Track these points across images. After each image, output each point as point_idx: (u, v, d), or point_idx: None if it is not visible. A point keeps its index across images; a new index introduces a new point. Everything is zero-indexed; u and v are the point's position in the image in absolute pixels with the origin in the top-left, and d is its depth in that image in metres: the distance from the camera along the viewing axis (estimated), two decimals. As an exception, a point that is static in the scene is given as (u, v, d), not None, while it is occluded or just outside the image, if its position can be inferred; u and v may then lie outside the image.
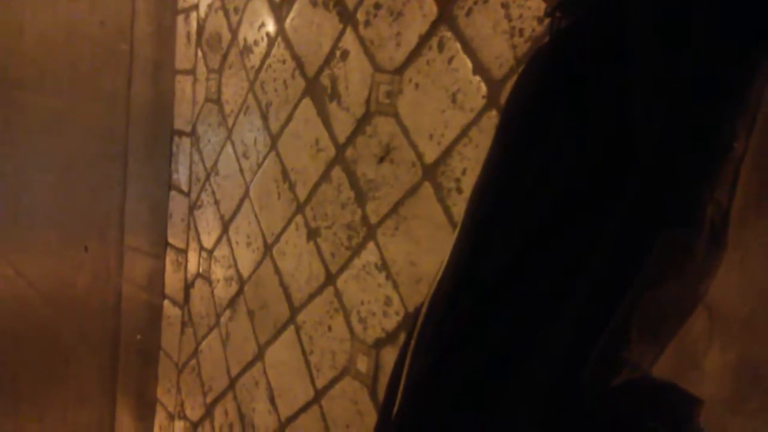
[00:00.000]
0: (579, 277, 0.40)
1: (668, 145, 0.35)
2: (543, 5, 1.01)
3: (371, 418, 1.34)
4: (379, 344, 1.31)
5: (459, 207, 1.13)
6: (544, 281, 0.46)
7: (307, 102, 1.51)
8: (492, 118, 1.08)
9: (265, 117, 1.67)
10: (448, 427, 0.48)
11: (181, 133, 2.10)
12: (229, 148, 1.85)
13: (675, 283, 0.30)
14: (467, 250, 0.55)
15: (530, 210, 0.49)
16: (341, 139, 1.40)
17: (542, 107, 0.54)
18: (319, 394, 1.49)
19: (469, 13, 1.11)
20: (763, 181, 0.29)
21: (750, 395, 0.26)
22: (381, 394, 1.32)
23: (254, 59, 1.72)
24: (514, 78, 1.07)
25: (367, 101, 1.33)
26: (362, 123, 1.34)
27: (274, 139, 1.64)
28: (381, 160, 1.28)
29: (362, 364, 1.36)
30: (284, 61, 1.59)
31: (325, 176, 1.45)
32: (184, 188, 2.10)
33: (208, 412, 1.99)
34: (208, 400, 2.00)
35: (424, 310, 0.59)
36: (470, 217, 0.59)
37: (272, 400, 1.67)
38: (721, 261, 0.29)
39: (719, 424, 0.26)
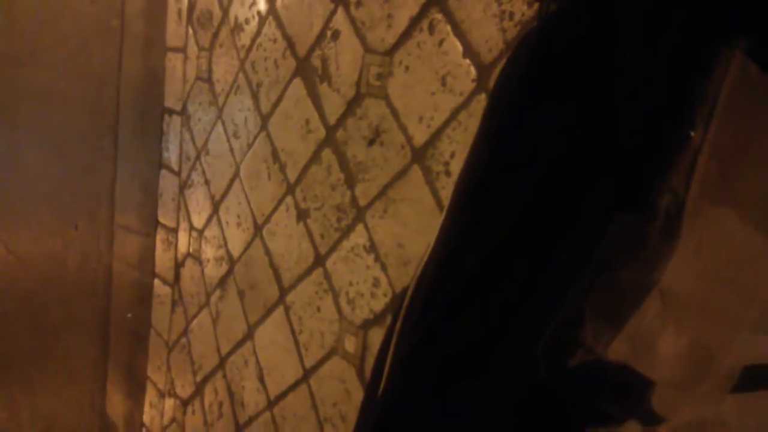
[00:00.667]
0: (555, 262, 0.41)
1: (635, 134, 0.35)
2: (533, -11, 1.00)
3: (359, 396, 1.35)
4: (366, 325, 1.32)
5: (447, 190, 1.14)
6: (526, 265, 0.46)
7: (297, 82, 1.51)
8: (481, 102, 1.08)
9: (255, 97, 1.67)
10: (432, 405, 0.48)
11: (171, 112, 2.09)
12: (219, 127, 1.85)
13: (629, 268, 0.30)
14: (453, 233, 0.55)
15: (515, 194, 0.49)
16: (331, 120, 1.39)
17: (529, 92, 0.54)
18: (307, 373, 1.51)
19: (459, -5, 1.11)
20: (720, 170, 0.29)
21: (701, 377, 0.27)
22: (368, 374, 1.33)
23: (245, 38, 1.70)
24: (504, 62, 1.07)
25: (358, 83, 1.32)
26: (352, 105, 1.33)
27: (264, 120, 1.64)
28: (371, 142, 1.28)
29: (350, 345, 1.37)
30: (275, 41, 1.58)
31: (315, 158, 1.45)
32: (175, 167, 2.10)
33: (198, 390, 2.01)
34: (198, 378, 2.01)
35: (410, 291, 0.60)
36: (456, 200, 0.59)
37: (261, 378, 1.68)
38: (675, 248, 0.29)
39: (671, 405, 0.27)
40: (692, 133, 0.29)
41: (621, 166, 0.35)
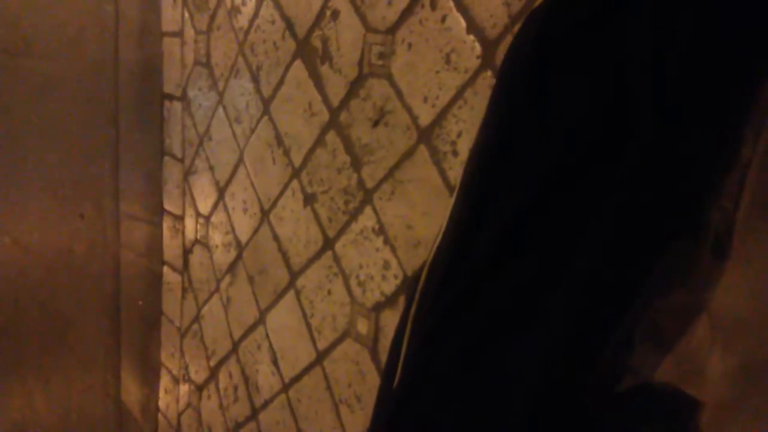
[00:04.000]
0: (576, 257, 0.40)
1: (673, 149, 0.34)
2: (537, -39, 0.98)
3: (373, 377, 1.36)
4: (378, 307, 1.32)
5: (455, 170, 1.12)
6: (541, 252, 0.45)
7: (298, 64, 1.49)
8: (487, 79, 1.06)
9: (256, 80, 1.65)
10: (448, 398, 0.48)
11: (171, 98, 2.07)
12: (220, 112, 1.83)
13: (680, 291, 0.29)
14: (465, 217, 0.54)
15: (528, 177, 0.48)
16: (335, 102, 1.38)
17: (539, 71, 0.52)
18: (321, 356, 1.51)
19: (461, -30, 1.08)
20: None
21: (749, 399, 0.26)
22: (382, 355, 1.33)
23: (242, 20, 1.68)
24: (509, 38, 1.05)
25: (360, 63, 1.30)
26: (355, 86, 1.32)
27: (266, 103, 1.62)
28: (375, 123, 1.26)
29: (362, 327, 1.37)
30: (273, 22, 1.56)
31: (319, 141, 1.43)
32: (178, 154, 2.08)
33: (213, 375, 2.02)
34: (212, 363, 2.02)
35: (423, 277, 0.59)
36: (467, 183, 0.58)
37: (275, 362, 1.69)
38: (726, 269, 0.29)
39: (719, 427, 0.26)
40: (742, 151, 0.28)
41: (653, 183, 0.34)
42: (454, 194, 0.60)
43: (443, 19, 1.12)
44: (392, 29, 1.22)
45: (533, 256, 0.46)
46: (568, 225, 0.43)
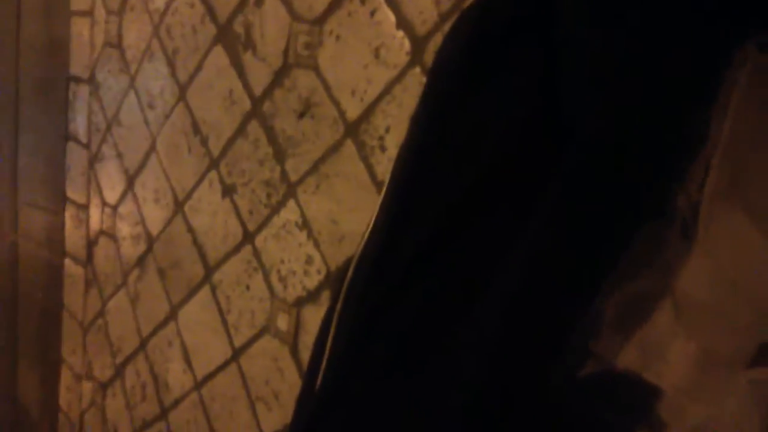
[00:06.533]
0: (513, 252, 0.40)
1: (628, 131, 0.34)
2: (470, -41, 0.98)
3: (292, 374, 1.33)
4: (300, 303, 1.30)
5: (382, 166, 1.11)
6: (473, 250, 0.45)
7: (218, 50, 1.43)
8: (416, 76, 1.06)
9: (172, 65, 1.58)
10: (371, 401, 0.47)
11: (78, 80, 1.95)
12: (132, 97, 1.74)
13: (647, 276, 0.29)
14: (395, 211, 0.53)
15: (458, 177, 0.48)
16: (257, 91, 1.34)
17: (471, 72, 0.52)
18: (237, 353, 1.47)
19: (393, -37, 1.07)
20: (733, 173, 0.28)
21: (709, 384, 0.26)
22: (302, 351, 1.31)
23: (158, 1, 1.60)
24: (439, 36, 1.05)
25: (285, 52, 1.27)
26: (280, 75, 1.28)
27: (182, 89, 1.55)
28: (301, 115, 1.24)
29: (283, 323, 1.34)
30: (192, 5, 1.49)
31: (240, 131, 1.39)
32: (83, 139, 1.97)
33: (118, 373, 1.93)
34: (118, 360, 1.93)
35: (350, 272, 0.57)
36: (397, 178, 0.57)
37: (187, 359, 1.63)
38: (691, 253, 0.29)
39: (678, 412, 0.27)
40: (707, 135, 0.28)
41: (610, 165, 0.34)
42: (384, 189, 0.59)
43: (372, 13, 1.11)
44: (320, 20, 1.20)
45: (472, 247, 0.45)
46: (510, 216, 0.43)
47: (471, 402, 0.37)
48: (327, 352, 0.53)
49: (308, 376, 0.58)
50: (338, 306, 0.55)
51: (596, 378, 0.30)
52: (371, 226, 0.56)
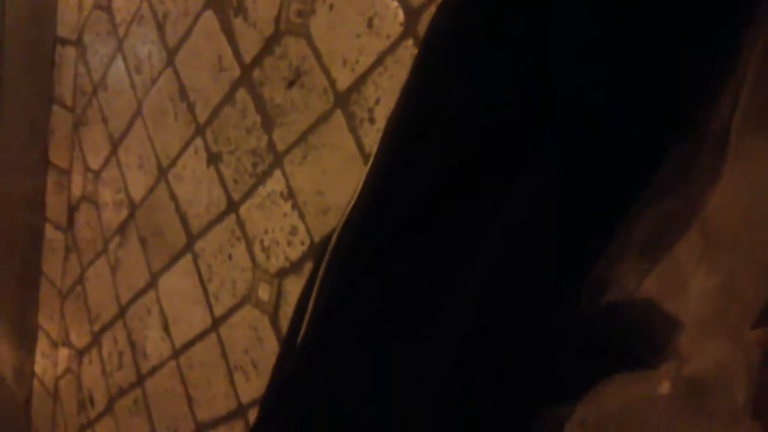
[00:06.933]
0: (496, 212, 0.39)
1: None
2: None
3: (272, 344, 1.33)
4: (282, 273, 1.29)
5: (371, 138, 1.11)
6: (463, 214, 0.44)
7: (209, 15, 1.41)
8: (408, 48, 1.05)
9: (161, 29, 1.55)
10: (356, 355, 0.46)
11: (64, 42, 1.91)
12: (119, 60, 1.71)
13: (675, 198, 0.29)
14: (381, 181, 0.53)
15: (448, 147, 0.48)
16: (247, 58, 1.32)
17: (463, 43, 0.51)
18: (217, 322, 1.46)
19: (390, -68, 1.06)
20: (763, 105, 0.28)
21: (726, 318, 0.26)
22: (283, 322, 1.30)
23: (149, -35, 1.58)
24: (433, 6, 1.04)
25: (277, 19, 1.25)
26: (271, 43, 1.26)
27: (171, 54, 1.53)
28: (291, 84, 1.22)
29: (264, 293, 1.34)
30: (184, -30, 1.47)
31: (228, 98, 1.37)
32: (68, 103, 1.94)
33: (96, 340, 1.91)
34: (95, 327, 1.91)
35: (335, 238, 0.57)
36: (386, 148, 0.57)
37: (166, 328, 1.62)
38: (721, 176, 0.28)
39: (696, 346, 0.26)
40: (739, 57, 0.27)
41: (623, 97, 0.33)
42: (372, 158, 0.59)
43: (367, -18, 1.10)
44: (313, -13, 1.18)
45: (463, 214, 0.44)
46: (502, 186, 0.42)
47: (465, 347, 0.37)
48: (308, 312, 0.53)
49: (289, 334, 0.57)
50: (321, 270, 0.54)
51: (617, 306, 0.29)
52: (358, 192, 0.56)
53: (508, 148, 0.43)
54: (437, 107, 0.50)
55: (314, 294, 0.53)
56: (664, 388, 0.26)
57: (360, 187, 0.57)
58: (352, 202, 0.57)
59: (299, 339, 0.52)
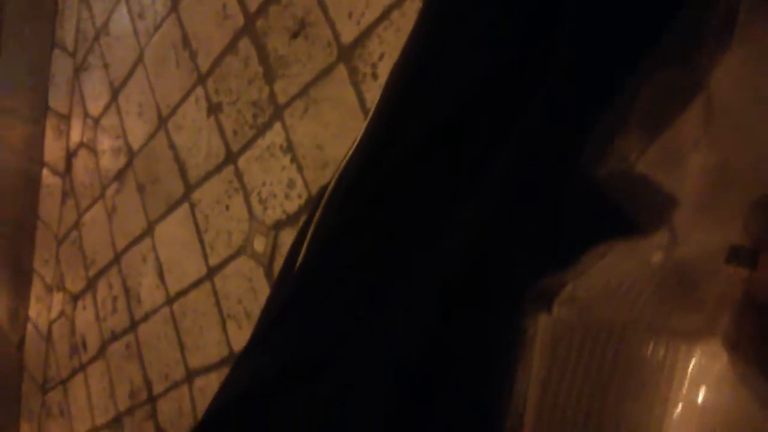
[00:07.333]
0: (499, 149, 0.40)
1: None
2: None
3: (265, 294, 1.34)
4: (278, 226, 1.30)
5: (372, 93, 1.11)
6: (466, 151, 0.45)
7: (215, -36, 1.40)
8: (415, 2, 1.04)
9: (166, -24, 1.54)
10: (357, 278, 0.47)
11: (66, -15, 1.90)
12: (122, 6, 1.70)
13: (682, 67, 0.29)
14: (381, 128, 0.53)
15: (450, 95, 0.48)
16: (252, 7, 1.31)
17: None
18: (212, 272, 1.48)
19: None
20: None
21: (721, 201, 0.26)
22: (277, 273, 1.32)
23: None
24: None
25: (283, -30, 1.24)
26: (276, -7, 1.26)
27: (174, 1, 1.52)
28: (295, 35, 1.22)
29: (259, 245, 1.35)
30: None
31: (231, 47, 1.37)
32: (69, 47, 1.92)
33: (90, 285, 1.93)
34: (91, 273, 1.93)
35: (331, 185, 0.58)
36: (386, 96, 0.57)
37: (161, 275, 1.64)
38: (730, 48, 0.28)
39: (689, 228, 0.27)
40: None
41: None
42: (373, 107, 0.59)
43: (377, -65, 1.09)
44: (322, -62, 1.17)
45: (462, 160, 0.45)
46: (502, 133, 0.43)
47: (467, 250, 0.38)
48: (308, 240, 0.54)
49: (287, 262, 0.58)
50: (317, 214, 0.55)
51: (616, 175, 0.30)
52: (357, 140, 0.56)
53: (510, 90, 0.44)
54: (441, 53, 0.51)
55: (311, 230, 0.54)
56: (656, 257, 0.26)
57: (360, 133, 0.57)
58: (351, 150, 0.57)
59: (297, 265, 0.53)
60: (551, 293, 0.28)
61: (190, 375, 1.53)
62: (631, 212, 0.29)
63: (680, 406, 0.23)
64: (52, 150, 2.08)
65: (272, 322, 0.49)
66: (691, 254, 0.26)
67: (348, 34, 1.13)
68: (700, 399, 0.23)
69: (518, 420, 0.27)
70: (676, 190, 0.27)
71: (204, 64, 1.44)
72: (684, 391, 0.23)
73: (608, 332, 0.25)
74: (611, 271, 0.27)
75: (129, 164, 1.74)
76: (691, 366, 0.23)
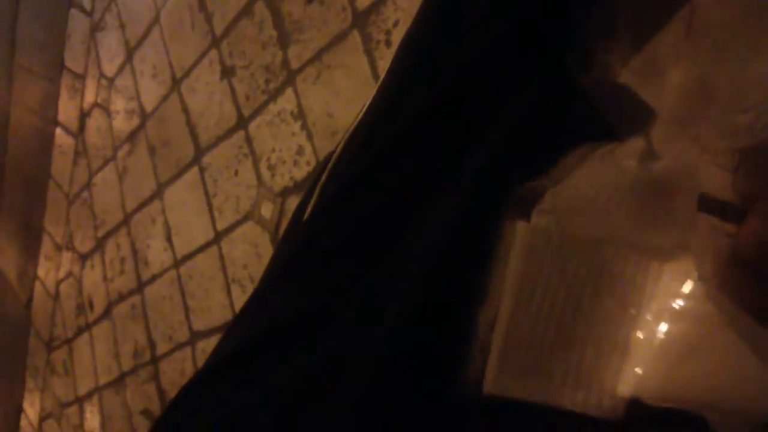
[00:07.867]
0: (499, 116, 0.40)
1: None
2: None
3: (269, 264, 1.35)
4: (286, 193, 1.30)
5: (385, 61, 1.10)
6: (474, 112, 0.44)
7: (233, -75, 1.39)
8: (433, -30, 1.03)
9: (184, -63, 1.53)
10: (364, 231, 0.47)
11: (85, -57, 1.89)
12: (140, -33, 1.69)
13: None
14: (390, 93, 0.53)
15: (459, 60, 0.47)
16: (268, -29, 1.30)
17: None
18: (219, 236, 1.48)
19: None
20: None
21: (698, 119, 0.26)
22: (282, 241, 1.32)
23: None
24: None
25: (302, -67, 1.23)
26: (293, -43, 1.24)
27: (192, -36, 1.51)
28: (310, 0, 1.21)
29: (266, 211, 1.35)
30: None
31: (246, 10, 1.36)
32: (87, 6, 1.92)
33: (99, 245, 1.94)
34: (100, 233, 1.94)
35: (338, 150, 0.57)
36: (398, 61, 0.56)
37: (169, 238, 1.64)
38: None
39: (666, 143, 0.27)
40: None
41: None
42: (385, 71, 0.59)
43: None
44: None
45: (470, 122, 0.44)
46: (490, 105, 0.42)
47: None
48: (315, 194, 0.54)
49: (295, 215, 0.58)
50: (323, 177, 0.55)
51: (598, 84, 0.29)
52: (367, 105, 0.56)
53: (518, 57, 0.43)
54: (452, 19, 0.50)
55: (321, 182, 0.54)
56: (633, 165, 0.26)
57: (370, 99, 0.57)
58: (362, 113, 0.57)
59: (305, 216, 0.53)
60: (531, 202, 0.28)
61: (194, 337, 1.54)
62: (611, 119, 0.29)
63: (648, 322, 0.23)
64: (66, 109, 2.08)
65: (278, 275, 0.49)
66: (667, 171, 0.25)
67: (363, 0, 1.12)
68: (667, 316, 0.23)
69: (490, 324, 0.27)
70: (655, 102, 0.27)
71: (219, 26, 1.43)
72: (653, 309, 0.23)
73: (583, 245, 0.25)
74: (589, 183, 0.26)
75: (141, 126, 1.74)
76: (660, 284, 0.23)
